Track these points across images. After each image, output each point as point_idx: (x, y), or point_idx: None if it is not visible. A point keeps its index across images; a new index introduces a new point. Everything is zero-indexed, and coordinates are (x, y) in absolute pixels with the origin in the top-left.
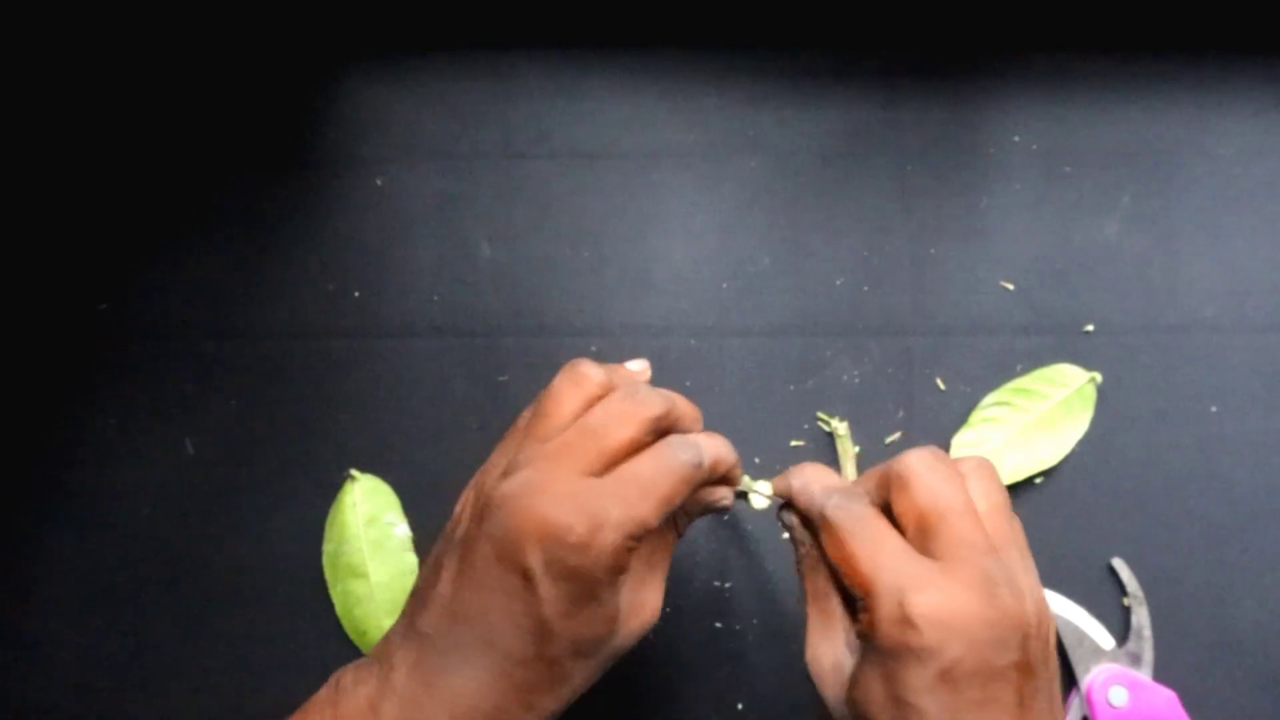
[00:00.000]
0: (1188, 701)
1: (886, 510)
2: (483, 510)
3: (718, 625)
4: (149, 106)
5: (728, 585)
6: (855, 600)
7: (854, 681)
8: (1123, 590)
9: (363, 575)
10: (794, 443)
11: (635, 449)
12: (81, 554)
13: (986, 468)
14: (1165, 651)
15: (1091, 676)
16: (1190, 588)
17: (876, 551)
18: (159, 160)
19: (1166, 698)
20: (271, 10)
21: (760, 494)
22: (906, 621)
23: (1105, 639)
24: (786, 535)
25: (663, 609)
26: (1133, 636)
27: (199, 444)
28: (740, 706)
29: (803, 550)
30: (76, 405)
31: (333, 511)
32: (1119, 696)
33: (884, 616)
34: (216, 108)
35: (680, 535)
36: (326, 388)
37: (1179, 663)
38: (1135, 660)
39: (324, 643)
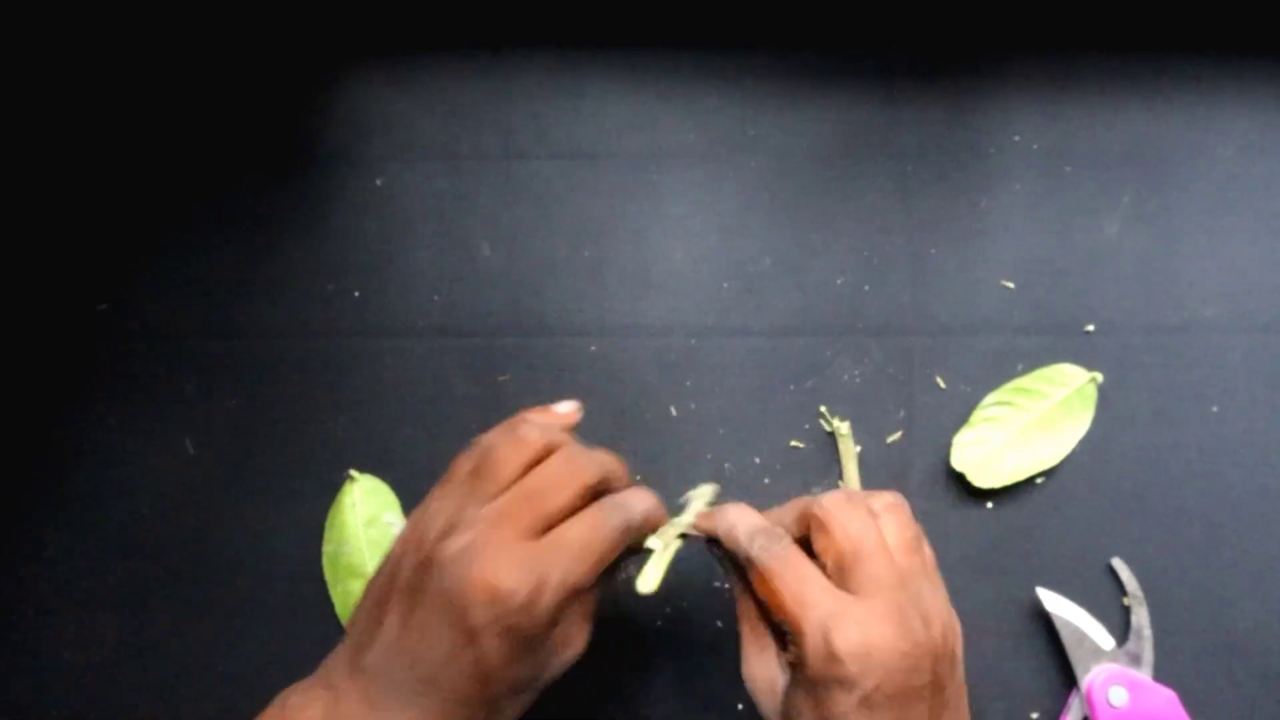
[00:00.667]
0: (1188, 701)
1: (804, 542)
2: (426, 566)
3: (718, 625)
4: (150, 106)
5: (727, 585)
6: (784, 632)
7: (786, 701)
8: (1123, 590)
9: (362, 575)
10: (794, 443)
11: (572, 511)
12: (81, 554)
13: (898, 506)
14: (1165, 651)
15: (1091, 676)
16: (1190, 588)
17: (800, 590)
18: (159, 160)
19: (1166, 698)
20: (271, 10)
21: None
22: (832, 656)
23: (1105, 639)
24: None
25: (664, 609)
26: (1133, 636)
27: (199, 444)
28: (740, 706)
29: (732, 578)
30: (76, 405)
31: (333, 511)
32: (1119, 696)
33: (811, 651)
34: (217, 108)
35: (614, 578)
36: (326, 388)
37: (1179, 663)
38: (1135, 660)
39: (324, 643)
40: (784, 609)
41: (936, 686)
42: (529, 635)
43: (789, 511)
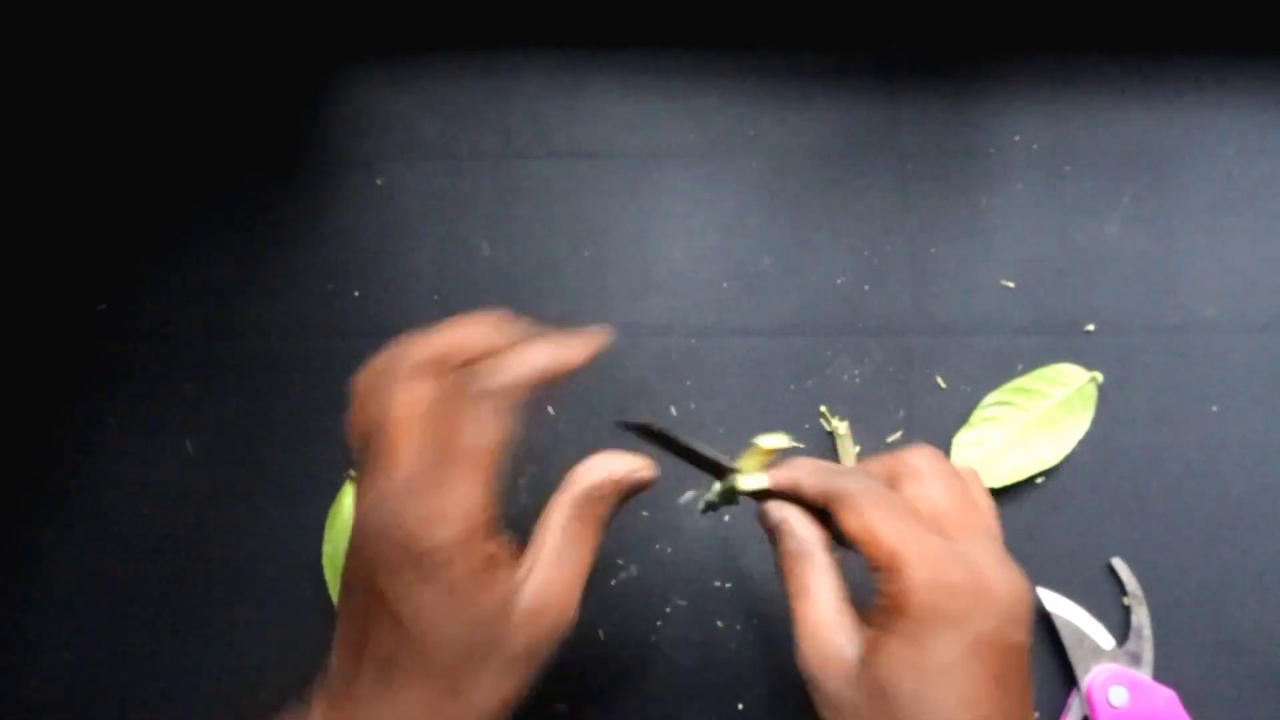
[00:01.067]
0: (1188, 701)
1: None
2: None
3: (718, 625)
4: (149, 106)
5: (728, 585)
6: (876, 574)
7: (870, 661)
8: (1123, 590)
9: None
10: (794, 443)
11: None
12: (81, 554)
13: (976, 476)
14: (1165, 651)
15: (1091, 676)
16: (1190, 588)
17: (902, 523)
18: (159, 160)
19: (1166, 698)
20: (271, 10)
21: (747, 482)
22: (943, 587)
23: (1105, 639)
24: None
25: (664, 608)
26: (1133, 636)
27: (199, 444)
28: (740, 706)
29: (790, 543)
30: (76, 405)
31: (333, 511)
32: (1119, 696)
33: (918, 583)
34: (217, 108)
35: (602, 527)
36: (326, 388)
37: (1179, 663)
38: (1135, 660)
39: (324, 643)
40: (881, 542)
41: (1023, 652)
42: (426, 561)
43: (872, 465)
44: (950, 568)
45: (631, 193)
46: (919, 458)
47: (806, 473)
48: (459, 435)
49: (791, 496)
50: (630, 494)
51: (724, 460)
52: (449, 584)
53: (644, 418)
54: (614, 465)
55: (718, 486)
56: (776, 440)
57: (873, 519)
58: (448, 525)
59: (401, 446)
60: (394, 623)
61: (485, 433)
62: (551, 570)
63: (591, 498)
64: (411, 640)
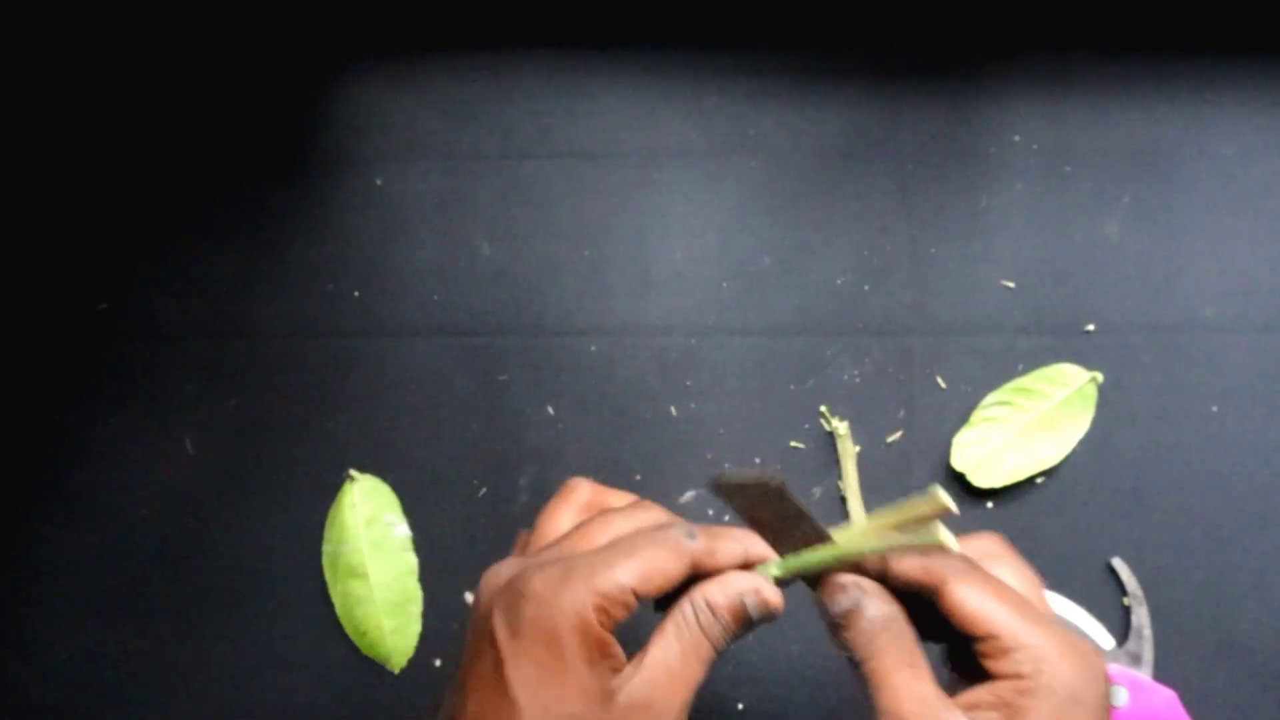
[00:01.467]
0: (1188, 701)
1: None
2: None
3: None
4: (150, 106)
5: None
6: (993, 657)
7: None
8: (1123, 590)
9: (363, 575)
10: (794, 443)
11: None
12: (81, 554)
13: None
14: (1165, 651)
15: None
16: (1190, 588)
17: (1020, 605)
18: (159, 160)
19: (1166, 697)
20: (271, 10)
21: (946, 537)
22: (1080, 670)
23: (1105, 639)
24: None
25: None
26: (1133, 636)
27: (199, 444)
28: (740, 706)
29: (875, 622)
30: (76, 405)
31: (332, 512)
32: (1119, 696)
33: (1058, 667)
34: (217, 108)
35: (716, 641)
36: (326, 388)
37: (1179, 663)
38: (1135, 660)
39: (324, 643)
40: (1007, 624)
41: None
42: (550, 634)
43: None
44: (1084, 650)
45: (631, 193)
46: (990, 541)
47: (910, 559)
48: (634, 523)
49: (868, 572)
50: (751, 621)
51: (824, 531)
52: (556, 647)
53: (753, 471)
54: (737, 581)
55: (773, 568)
56: (945, 497)
57: (990, 599)
58: (578, 585)
59: (559, 516)
60: (492, 662)
61: (663, 540)
62: (659, 672)
63: (708, 609)
64: (500, 685)
